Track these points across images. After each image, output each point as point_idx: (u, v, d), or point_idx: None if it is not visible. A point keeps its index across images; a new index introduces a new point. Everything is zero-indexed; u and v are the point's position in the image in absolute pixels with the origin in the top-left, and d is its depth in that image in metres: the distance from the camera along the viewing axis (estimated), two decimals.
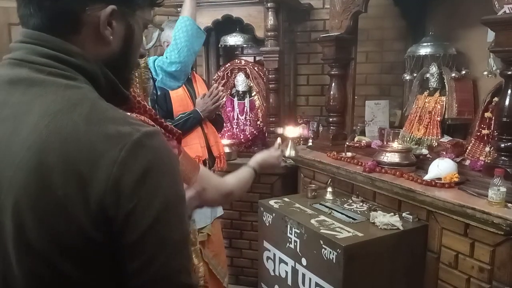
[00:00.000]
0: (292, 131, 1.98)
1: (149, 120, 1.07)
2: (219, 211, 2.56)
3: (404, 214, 1.85)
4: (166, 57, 1.90)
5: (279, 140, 1.72)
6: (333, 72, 2.56)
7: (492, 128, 2.06)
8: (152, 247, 0.63)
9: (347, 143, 2.47)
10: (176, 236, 0.66)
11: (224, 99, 3.17)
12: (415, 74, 2.61)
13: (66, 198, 0.59)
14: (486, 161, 1.92)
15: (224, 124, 2.89)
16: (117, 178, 0.60)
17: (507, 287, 1.52)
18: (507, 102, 1.64)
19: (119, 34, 0.72)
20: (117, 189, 0.60)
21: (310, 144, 2.84)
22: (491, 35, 2.03)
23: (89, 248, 0.62)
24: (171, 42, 1.91)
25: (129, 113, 1.03)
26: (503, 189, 1.53)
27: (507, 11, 1.60)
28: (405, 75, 2.66)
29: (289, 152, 1.91)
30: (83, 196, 0.60)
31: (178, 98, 2.35)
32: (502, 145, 1.68)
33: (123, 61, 0.76)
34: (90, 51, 0.70)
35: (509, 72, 1.64)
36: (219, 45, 3.30)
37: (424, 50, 2.48)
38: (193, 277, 0.68)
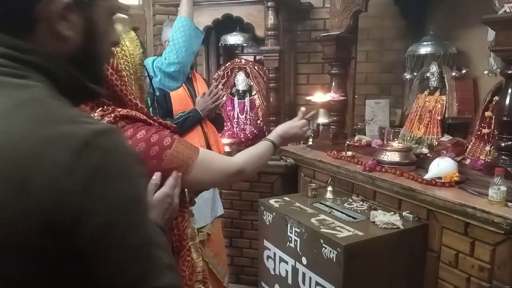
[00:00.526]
0: (321, 97, 1.83)
1: (140, 115, 1.07)
2: (220, 210, 2.56)
3: (404, 213, 1.85)
4: (165, 58, 1.90)
5: (303, 108, 1.61)
6: (333, 71, 2.56)
7: (492, 127, 2.06)
8: (106, 255, 0.60)
9: (347, 142, 2.47)
10: (134, 242, 0.62)
11: (224, 98, 3.19)
12: (415, 73, 2.61)
13: (5, 208, 0.55)
14: (486, 160, 1.92)
15: (224, 124, 2.89)
16: (60, 183, 0.55)
17: (507, 286, 1.52)
18: (507, 101, 1.64)
19: (78, 28, 0.68)
20: (61, 196, 0.55)
21: (310, 143, 2.84)
22: (491, 34, 2.03)
23: (40, 260, 0.57)
24: (170, 42, 1.91)
25: (121, 109, 1.04)
26: (503, 188, 1.53)
27: (508, 10, 1.60)
28: (406, 74, 2.66)
29: (322, 119, 1.78)
30: (24, 205, 0.55)
31: (178, 97, 2.35)
32: (503, 144, 1.67)
33: (89, 55, 0.72)
34: (49, 48, 0.66)
35: (510, 71, 1.63)
36: (219, 44, 3.31)
37: (425, 49, 2.47)
38: (165, 278, 0.65)
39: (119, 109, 1.05)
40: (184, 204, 1.14)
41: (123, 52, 1.09)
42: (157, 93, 2.00)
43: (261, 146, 1.35)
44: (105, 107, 1.05)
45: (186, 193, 1.18)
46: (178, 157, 1.07)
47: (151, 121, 1.09)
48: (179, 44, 1.87)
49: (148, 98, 1.74)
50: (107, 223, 0.59)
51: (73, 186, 0.56)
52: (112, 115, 1.03)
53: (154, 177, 1.01)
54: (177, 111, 2.34)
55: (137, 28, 1.90)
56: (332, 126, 2.61)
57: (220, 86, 2.55)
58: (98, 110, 1.04)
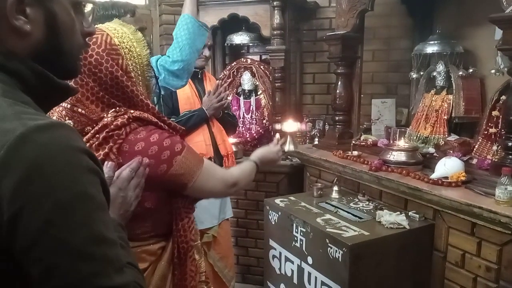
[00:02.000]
0: (290, 125, 1.97)
1: (152, 117, 1.08)
2: (228, 213, 2.53)
3: (410, 213, 1.84)
4: (169, 56, 1.90)
5: (277, 135, 1.72)
6: (339, 71, 2.56)
7: (499, 127, 2.05)
8: (49, 254, 0.57)
9: (354, 141, 2.46)
10: (79, 239, 0.59)
11: (230, 97, 3.19)
12: (422, 73, 2.60)
13: None
14: (493, 160, 1.91)
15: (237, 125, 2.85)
16: None
17: None
18: None
19: (38, 22, 0.65)
20: None
21: (316, 142, 2.84)
22: (498, 33, 2.01)
23: None
24: (173, 41, 1.91)
25: (133, 111, 1.05)
26: (510, 188, 1.52)
27: None
28: (412, 74, 2.64)
29: (288, 147, 1.92)
30: None
31: (185, 96, 2.35)
32: (510, 143, 1.66)
33: (55, 50, 0.69)
34: (8, 45, 0.64)
35: None
36: (225, 44, 3.31)
37: (431, 48, 2.46)
38: (119, 276, 0.63)
39: (132, 111, 1.06)
40: (189, 205, 1.15)
41: (131, 53, 1.10)
42: (163, 92, 2.00)
43: (249, 165, 1.42)
44: (117, 108, 1.06)
45: None
46: (187, 164, 1.08)
47: (162, 124, 1.10)
48: (182, 42, 1.87)
49: (155, 98, 1.74)
50: (48, 221, 0.56)
51: (10, 183, 0.54)
52: (126, 116, 1.04)
53: (104, 169, 0.98)
54: (183, 110, 2.34)
55: (144, 28, 1.91)
56: (338, 126, 2.60)
57: (224, 85, 2.54)
58: (111, 111, 1.05)
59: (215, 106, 2.35)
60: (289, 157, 2.85)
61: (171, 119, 2.25)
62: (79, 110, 1.04)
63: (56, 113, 1.03)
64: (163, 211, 1.11)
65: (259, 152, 1.52)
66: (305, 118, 3.26)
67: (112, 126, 1.01)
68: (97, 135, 1.02)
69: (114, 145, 1.01)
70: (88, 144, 1.02)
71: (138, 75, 1.11)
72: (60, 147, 0.59)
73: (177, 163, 1.06)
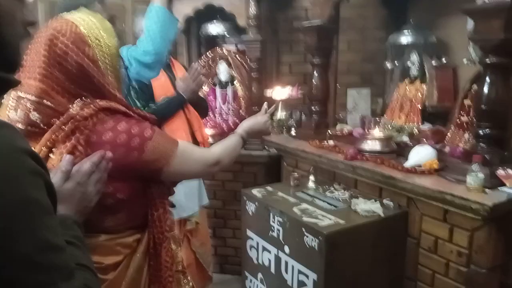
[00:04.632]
0: (280, 92, 1.84)
1: (120, 106, 1.06)
2: (205, 199, 2.55)
3: (385, 201, 1.87)
4: (140, 47, 1.86)
5: (265, 104, 1.66)
6: (315, 61, 2.56)
7: (471, 115, 2.09)
8: None
9: (329, 131, 2.48)
10: (23, 248, 0.56)
11: (206, 87, 3.16)
12: (396, 63, 2.63)
13: None
14: (465, 147, 1.95)
15: (209, 108, 2.83)
16: None
17: (484, 270, 1.56)
18: (485, 90, 1.66)
19: None
20: None
21: (293, 133, 2.85)
22: (470, 23, 2.05)
23: None
24: (144, 32, 1.87)
25: (100, 100, 1.02)
26: (481, 175, 1.56)
27: (486, 1, 1.61)
28: (387, 64, 2.67)
29: (279, 114, 1.83)
30: None
31: (159, 83, 2.31)
32: (481, 131, 1.70)
33: None
34: None
35: (488, 60, 1.66)
36: (201, 34, 3.27)
37: (405, 38, 2.50)
38: (66, 284, 0.60)
39: (99, 101, 1.03)
40: (164, 195, 1.13)
41: (98, 42, 1.06)
42: (133, 83, 1.96)
43: (233, 139, 1.38)
44: (84, 98, 1.03)
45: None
46: (159, 148, 1.06)
47: (131, 113, 1.08)
48: (153, 32, 1.83)
49: (127, 88, 1.70)
50: None
51: None
52: (92, 106, 1.01)
53: (62, 162, 0.94)
54: (158, 97, 2.30)
55: (114, 16, 1.85)
56: (314, 116, 2.61)
57: (198, 64, 2.51)
58: (77, 101, 1.02)
59: (193, 87, 2.32)
60: (265, 147, 2.85)
61: (150, 105, 2.24)
62: (45, 102, 1.00)
63: (21, 107, 1.00)
64: (137, 202, 1.08)
65: (246, 124, 1.47)
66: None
67: (78, 117, 0.98)
68: (63, 127, 0.98)
69: (81, 136, 0.98)
70: (54, 136, 0.98)
71: (107, 65, 1.08)
72: (0, 148, 0.55)
73: (148, 149, 1.03)
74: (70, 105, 1.01)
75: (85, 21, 1.06)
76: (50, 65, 1.00)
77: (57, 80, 1.01)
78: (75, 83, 1.02)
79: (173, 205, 1.24)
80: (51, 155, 0.98)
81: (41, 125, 1.00)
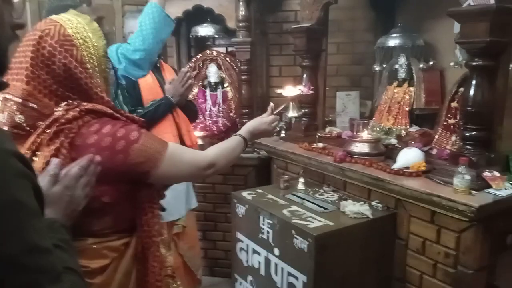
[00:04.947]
0: (291, 90, 1.81)
1: (107, 109, 1.05)
2: (193, 203, 2.54)
3: (373, 203, 1.88)
4: (130, 44, 1.85)
5: (271, 104, 1.61)
6: (304, 64, 2.57)
7: (458, 118, 2.11)
8: None
9: (319, 134, 2.49)
10: (10, 250, 0.56)
11: (196, 89, 3.15)
12: (384, 65, 2.65)
13: None
14: (452, 150, 1.97)
15: (198, 112, 2.83)
16: None
17: (471, 271, 1.58)
18: (471, 92, 1.68)
19: None
20: None
21: (283, 135, 2.85)
22: (457, 26, 2.07)
23: None
24: (137, 28, 1.86)
25: (86, 103, 1.01)
26: (467, 177, 1.58)
27: (472, 3, 1.63)
28: (375, 66, 2.69)
29: (291, 112, 1.77)
30: None
31: (148, 86, 2.31)
32: (467, 134, 1.72)
33: None
34: None
35: (474, 63, 1.68)
36: (190, 36, 3.26)
37: (393, 41, 2.52)
38: (53, 286, 0.60)
39: (85, 103, 1.02)
40: (153, 199, 1.12)
41: (86, 44, 1.06)
42: (123, 82, 1.95)
43: (232, 141, 1.35)
44: (70, 101, 1.02)
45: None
46: (146, 151, 1.04)
47: (118, 115, 1.07)
48: (146, 30, 1.82)
49: (118, 90, 1.69)
50: None
51: None
52: (78, 109, 1.00)
53: (50, 166, 0.93)
54: (147, 100, 2.29)
55: (102, 17, 1.84)
56: (303, 118, 2.62)
57: (188, 69, 2.51)
58: (62, 104, 1.02)
59: (181, 91, 2.31)
60: (256, 149, 2.85)
61: (138, 110, 2.23)
62: (31, 104, 0.99)
63: (7, 108, 0.99)
64: (124, 206, 1.07)
65: (250, 124, 1.44)
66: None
67: (63, 120, 0.97)
68: (48, 130, 0.97)
69: (65, 139, 0.97)
70: (39, 139, 0.98)
71: (95, 67, 1.08)
72: None
73: (134, 152, 1.02)
74: (56, 108, 1.01)
75: (73, 23, 1.06)
76: (37, 67, 1.00)
77: (44, 82, 1.01)
78: (63, 86, 1.02)
79: (163, 209, 1.22)
80: (34, 158, 0.97)
81: (26, 127, 0.99)
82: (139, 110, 2.22)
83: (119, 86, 1.91)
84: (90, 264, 1.01)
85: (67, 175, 0.94)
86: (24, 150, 0.98)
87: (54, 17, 1.08)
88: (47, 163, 0.95)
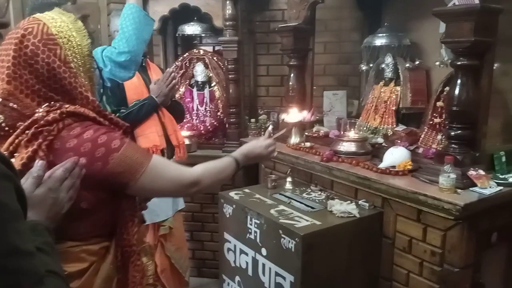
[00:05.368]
0: (293, 115, 1.74)
1: (90, 112, 1.03)
2: (180, 204, 2.53)
3: (360, 202, 1.89)
4: (115, 47, 1.84)
5: (270, 127, 1.57)
6: (291, 63, 2.57)
7: (443, 117, 2.13)
8: None
9: (306, 133, 2.49)
10: None
11: (182, 88, 3.13)
12: (371, 65, 2.66)
13: None
14: (437, 148, 1.99)
15: (185, 112, 2.82)
16: None
17: (457, 269, 1.59)
18: (457, 92, 1.70)
19: None
20: None
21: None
22: (443, 26, 2.09)
23: None
24: (119, 31, 1.85)
25: (69, 105, 0.99)
26: (453, 175, 1.59)
27: (457, 3, 1.65)
28: (362, 66, 2.70)
29: (294, 138, 1.72)
30: None
31: (133, 86, 2.28)
32: (452, 133, 1.73)
33: None
34: None
35: (459, 62, 1.69)
36: (177, 35, 3.24)
37: (380, 40, 2.53)
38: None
39: (67, 105, 1.00)
40: (134, 208, 1.09)
41: (70, 43, 1.04)
42: (108, 84, 1.93)
43: (223, 162, 1.30)
44: (52, 102, 1.00)
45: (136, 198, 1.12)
46: (126, 161, 1.00)
47: (101, 119, 1.04)
48: (128, 32, 1.81)
49: (101, 90, 1.67)
50: None
51: None
52: (58, 111, 0.97)
53: (34, 168, 0.91)
54: (131, 100, 2.26)
55: (87, 16, 1.81)
56: None
57: (173, 69, 2.48)
58: (44, 105, 0.99)
59: (165, 92, 2.29)
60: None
61: (121, 110, 2.20)
62: (11, 104, 0.97)
63: None
64: (102, 212, 1.04)
65: (245, 147, 1.40)
66: (260, 110, 3.25)
67: (42, 122, 0.95)
68: (27, 131, 0.95)
69: (43, 141, 0.94)
70: (17, 141, 0.95)
71: (79, 66, 1.06)
72: None
73: (114, 161, 0.98)
74: (37, 109, 0.98)
75: (57, 22, 1.04)
76: (19, 66, 0.98)
77: (26, 82, 0.98)
78: (46, 85, 1.00)
79: (144, 221, 1.18)
80: (12, 159, 0.95)
81: (6, 128, 0.97)
82: (122, 110, 2.20)
83: (104, 86, 1.89)
84: (67, 267, 0.97)
85: (51, 177, 0.92)
86: (2, 151, 0.95)
87: (37, 15, 1.06)
88: (23, 165, 0.93)
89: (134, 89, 2.29)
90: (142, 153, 1.05)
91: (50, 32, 1.01)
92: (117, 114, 2.16)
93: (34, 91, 0.99)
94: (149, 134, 2.24)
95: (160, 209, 2.30)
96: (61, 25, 1.04)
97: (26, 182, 0.89)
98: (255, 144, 1.44)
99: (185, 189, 1.15)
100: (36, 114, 0.97)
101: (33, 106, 0.99)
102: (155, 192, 1.13)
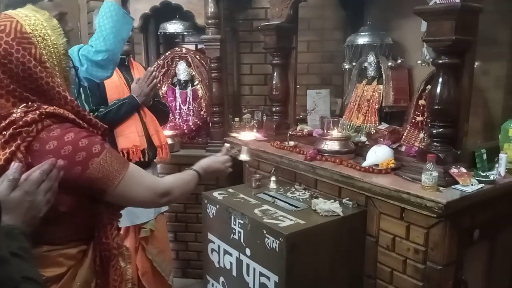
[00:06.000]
0: (246, 135, 1.93)
1: (69, 114, 1.00)
2: (164, 207, 2.49)
3: (344, 200, 1.89)
4: (92, 46, 1.79)
5: (227, 145, 1.67)
6: (275, 62, 2.56)
7: (425, 115, 2.15)
8: None
9: (290, 132, 2.48)
10: None
11: (165, 87, 3.09)
12: (354, 63, 2.67)
13: None
14: (420, 147, 2.00)
15: (169, 113, 2.78)
16: None
17: (440, 267, 1.60)
18: (438, 90, 1.70)
19: None
20: None
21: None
22: (424, 25, 2.10)
23: None
24: (96, 29, 1.81)
25: (47, 106, 0.96)
26: (435, 173, 1.60)
27: (438, 2, 1.65)
28: (345, 64, 2.71)
29: (243, 156, 1.88)
30: None
31: (113, 85, 2.24)
32: (434, 131, 1.75)
33: None
34: None
35: (440, 61, 1.70)
36: (159, 33, 3.20)
37: (362, 39, 2.53)
38: None
39: (45, 106, 0.97)
40: (113, 211, 1.08)
41: (45, 42, 1.01)
42: (85, 84, 1.88)
43: (187, 174, 1.36)
44: (30, 103, 0.97)
45: None
46: (105, 167, 1.00)
47: (80, 121, 1.02)
48: (106, 30, 1.77)
49: (75, 90, 1.63)
50: None
51: None
52: (37, 112, 0.95)
53: (10, 170, 0.89)
54: (112, 99, 2.22)
55: (64, 13, 1.77)
56: (275, 116, 2.61)
57: (154, 68, 2.45)
58: (21, 106, 0.96)
59: (146, 91, 2.26)
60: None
61: (100, 109, 2.16)
62: None
63: None
64: (81, 215, 1.02)
65: (204, 162, 1.46)
66: (244, 109, 3.23)
67: (20, 123, 0.92)
68: (4, 132, 0.92)
69: (22, 143, 0.92)
70: None
71: (55, 66, 1.03)
72: None
73: (93, 166, 0.97)
74: (15, 110, 0.95)
75: (31, 19, 1.01)
76: None
77: (0, 82, 0.95)
78: (21, 86, 0.96)
79: (119, 229, 1.17)
80: None
81: None
82: (101, 109, 2.15)
83: (81, 85, 1.85)
84: (45, 272, 0.95)
85: (27, 180, 0.89)
86: None
87: (9, 12, 1.02)
88: (0, 167, 0.90)
89: (115, 88, 2.25)
90: (121, 160, 1.05)
91: (24, 31, 0.98)
92: (96, 114, 2.12)
93: (8, 91, 0.96)
94: (129, 134, 2.20)
95: (140, 211, 2.26)
96: (35, 23, 1.01)
97: (2, 185, 0.86)
98: (213, 160, 1.51)
99: (158, 198, 1.17)
100: (14, 115, 0.94)
101: (8, 106, 0.96)
102: (131, 199, 1.11)
